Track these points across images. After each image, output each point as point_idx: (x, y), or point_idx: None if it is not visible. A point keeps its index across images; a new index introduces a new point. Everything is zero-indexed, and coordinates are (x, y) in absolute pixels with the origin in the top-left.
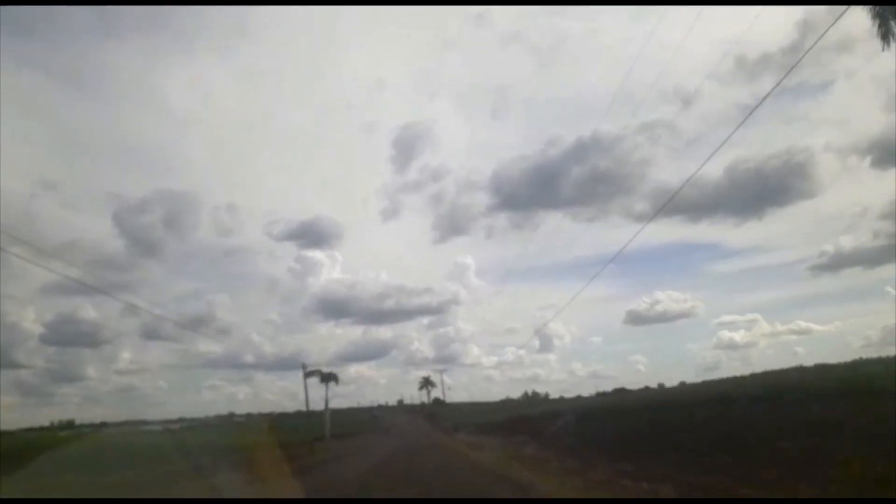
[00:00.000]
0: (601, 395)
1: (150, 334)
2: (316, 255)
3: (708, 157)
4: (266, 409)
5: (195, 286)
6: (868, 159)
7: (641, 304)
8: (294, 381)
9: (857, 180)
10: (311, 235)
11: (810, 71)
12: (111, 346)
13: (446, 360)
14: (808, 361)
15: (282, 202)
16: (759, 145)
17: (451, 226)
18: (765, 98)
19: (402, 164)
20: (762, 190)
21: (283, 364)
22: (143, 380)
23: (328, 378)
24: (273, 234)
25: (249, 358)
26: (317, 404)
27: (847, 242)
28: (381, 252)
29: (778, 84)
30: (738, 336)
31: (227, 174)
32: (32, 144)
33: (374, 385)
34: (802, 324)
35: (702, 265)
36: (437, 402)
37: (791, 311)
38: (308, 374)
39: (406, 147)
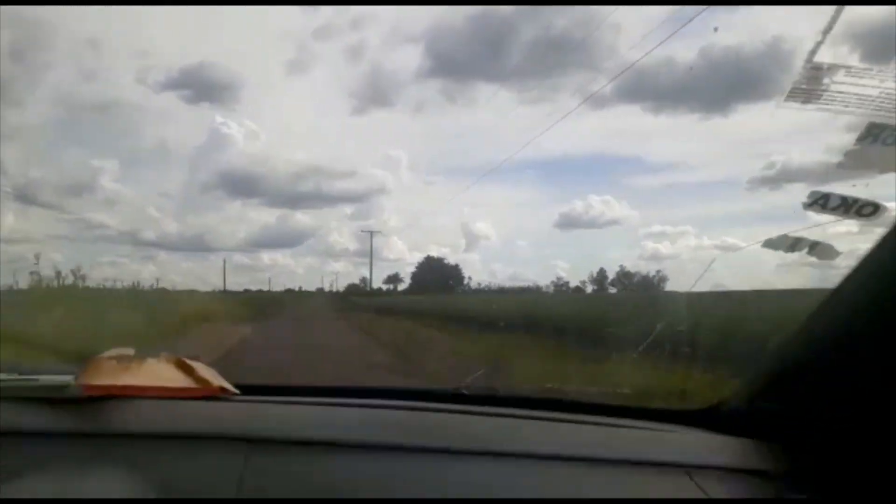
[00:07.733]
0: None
1: (28, 199)
2: (214, 117)
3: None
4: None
5: (67, 146)
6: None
7: (572, 209)
8: (202, 262)
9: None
10: (199, 86)
11: None
12: None
13: (367, 253)
14: (726, 279)
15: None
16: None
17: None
18: None
19: None
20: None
21: (188, 244)
22: (33, 250)
23: None
24: (148, 83)
25: (150, 235)
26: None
27: (797, 156)
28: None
29: None
30: (664, 247)
31: None
32: None
33: (290, 273)
34: (730, 240)
35: (642, 175)
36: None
37: (724, 227)
38: None
39: None
